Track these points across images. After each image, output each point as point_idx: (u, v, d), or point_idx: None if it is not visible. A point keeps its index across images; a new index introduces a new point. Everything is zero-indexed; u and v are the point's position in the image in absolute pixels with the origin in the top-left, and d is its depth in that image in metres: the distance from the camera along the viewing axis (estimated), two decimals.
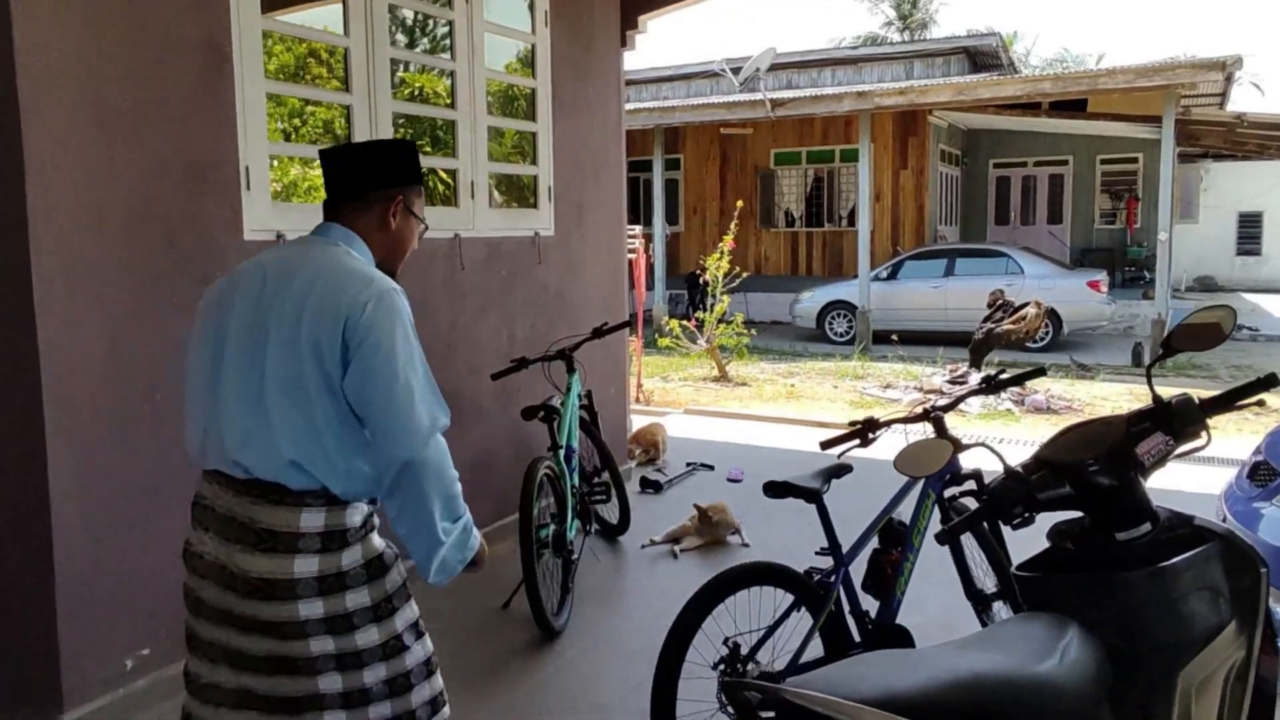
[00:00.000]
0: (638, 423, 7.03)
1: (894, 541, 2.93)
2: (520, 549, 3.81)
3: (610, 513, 4.94)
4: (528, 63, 5.05)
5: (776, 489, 2.75)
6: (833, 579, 2.78)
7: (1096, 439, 2.00)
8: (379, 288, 1.86)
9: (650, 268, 14.04)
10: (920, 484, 3.01)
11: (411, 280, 4.31)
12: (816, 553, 2.85)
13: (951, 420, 8.23)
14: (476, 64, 4.58)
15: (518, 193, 5.31)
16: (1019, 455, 2.00)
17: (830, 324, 14.97)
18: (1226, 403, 2.02)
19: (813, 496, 2.75)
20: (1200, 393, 2.05)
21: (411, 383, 1.84)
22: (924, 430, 3.15)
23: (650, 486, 5.92)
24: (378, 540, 1.96)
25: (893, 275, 14.65)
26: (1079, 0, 69.58)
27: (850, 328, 14.66)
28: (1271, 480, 3.62)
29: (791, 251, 18.21)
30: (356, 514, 1.89)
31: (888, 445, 3.15)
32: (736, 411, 8.90)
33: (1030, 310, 9.83)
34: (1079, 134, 18.30)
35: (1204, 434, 1.98)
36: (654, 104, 17.17)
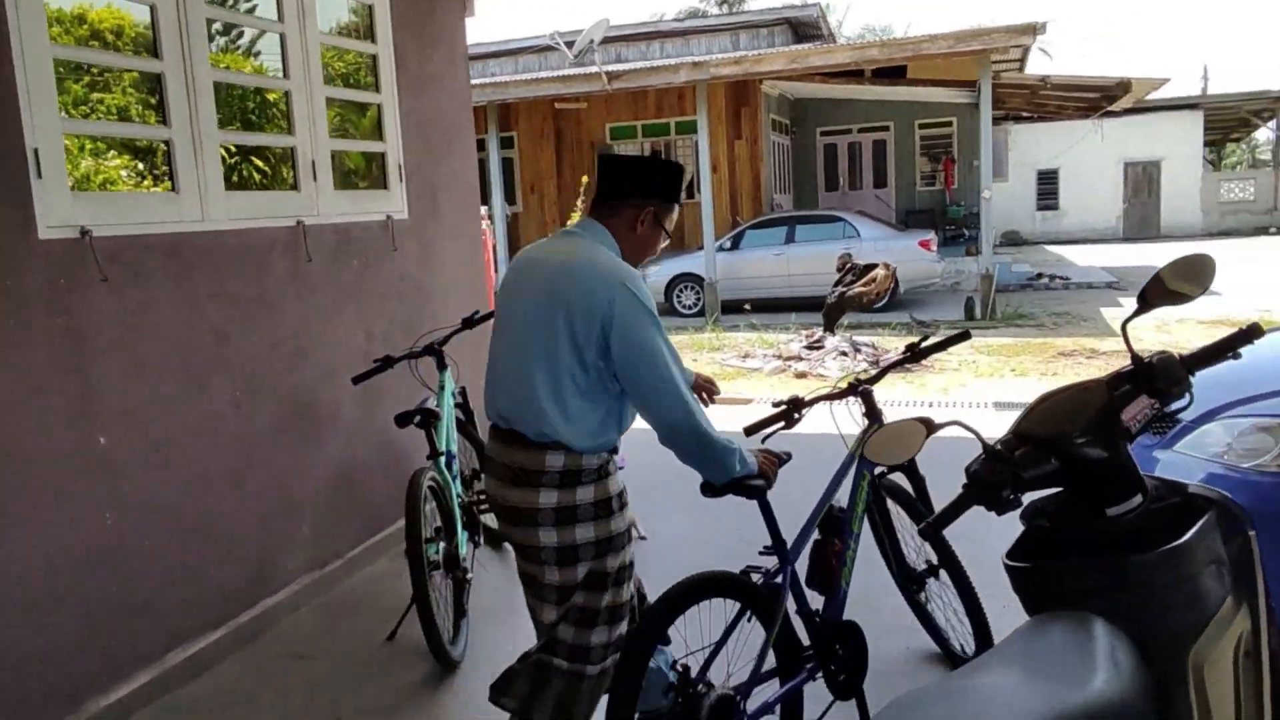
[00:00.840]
0: None
1: (836, 531, 2.70)
2: (410, 570, 3.36)
3: (492, 518, 4.54)
4: (366, 28, 4.51)
5: (717, 487, 2.46)
6: (780, 580, 2.52)
7: (1078, 407, 1.83)
8: (620, 278, 2.19)
9: (493, 250, 13.52)
10: (854, 465, 2.80)
11: (249, 277, 3.77)
12: (760, 552, 2.59)
13: (811, 384, 8.30)
14: (309, 26, 4.02)
15: (363, 174, 4.78)
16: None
17: (678, 296, 14.95)
18: (1209, 358, 1.89)
19: (755, 493, 2.48)
20: (1179, 345, 1.91)
21: (658, 359, 2.18)
22: (850, 406, 2.95)
23: None
24: (613, 485, 2.30)
25: (735, 245, 14.74)
26: None
27: (698, 299, 14.66)
28: (1166, 428, 3.66)
29: None
30: (594, 459, 2.25)
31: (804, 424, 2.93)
32: None
33: (879, 271, 10.02)
34: (898, 100, 18.98)
35: (1187, 393, 1.86)
36: (483, 80, 16.53)
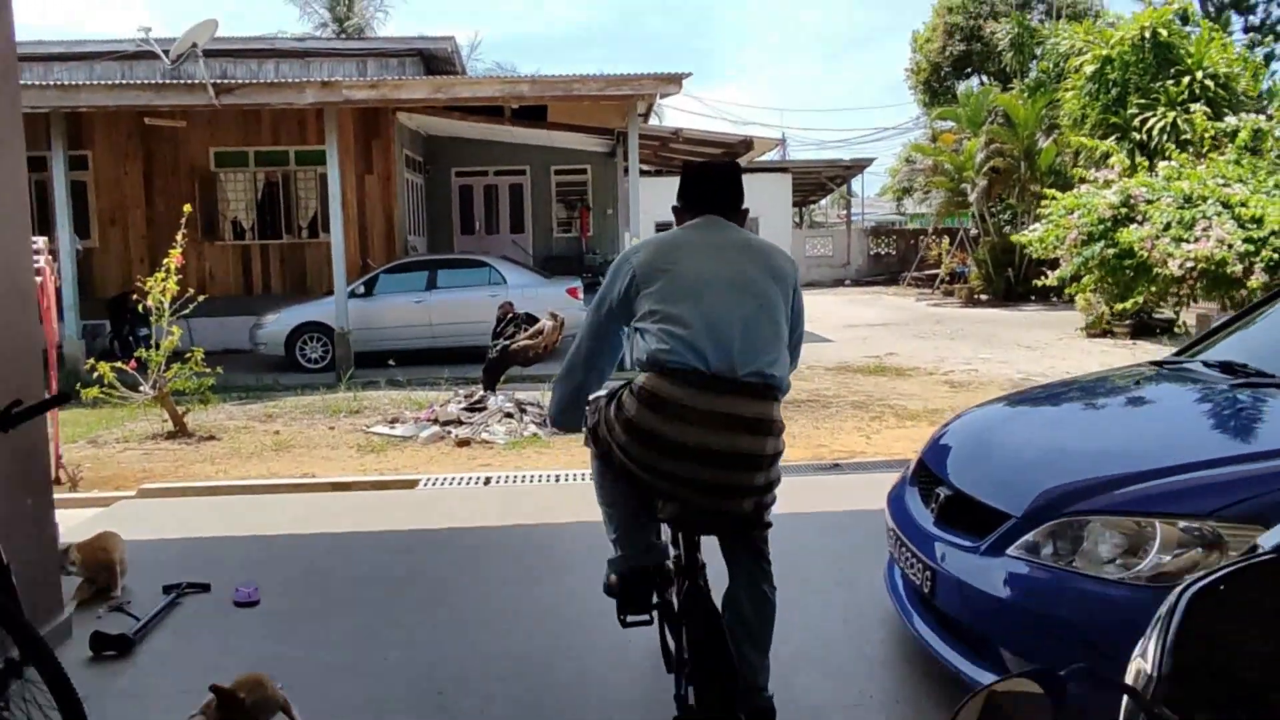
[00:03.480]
0: (68, 526, 4.69)
1: None
2: None
3: None
4: None
5: None
6: None
7: (1253, 610, 1.19)
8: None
9: (58, 293, 10.73)
10: None
11: None
12: None
13: (474, 452, 7.15)
14: None
15: None
16: None
17: (303, 350, 13.18)
18: None
19: None
20: None
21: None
22: None
23: (111, 646, 3.71)
24: None
25: (369, 291, 13.33)
26: (503, 20, 74.60)
27: (327, 352, 13.00)
28: (933, 484, 3.36)
29: (244, 268, 15.69)
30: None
31: None
32: (218, 484, 6.69)
33: (546, 323, 9.15)
34: (534, 144, 18.59)
35: None
36: (44, 83, 13.40)
